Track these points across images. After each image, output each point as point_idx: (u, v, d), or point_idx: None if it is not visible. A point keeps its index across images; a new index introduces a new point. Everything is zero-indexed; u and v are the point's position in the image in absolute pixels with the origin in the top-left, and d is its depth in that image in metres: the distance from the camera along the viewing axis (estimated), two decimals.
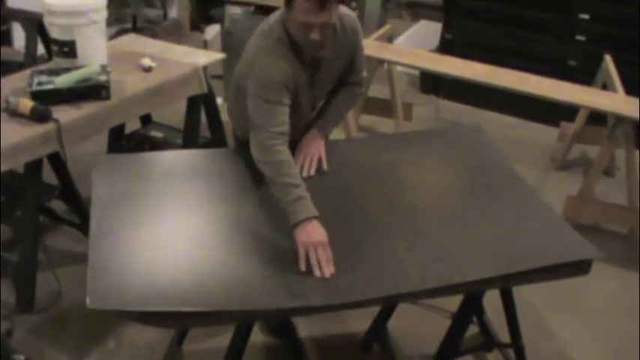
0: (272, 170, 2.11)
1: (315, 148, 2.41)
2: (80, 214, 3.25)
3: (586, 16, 4.63)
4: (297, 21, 2.12)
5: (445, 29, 5.18)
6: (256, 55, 2.22)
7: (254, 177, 2.29)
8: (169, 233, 2.03)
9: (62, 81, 2.81)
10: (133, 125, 3.75)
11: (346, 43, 2.35)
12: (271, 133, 2.14)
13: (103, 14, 3.08)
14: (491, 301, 2.49)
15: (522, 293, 2.95)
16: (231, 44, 4.77)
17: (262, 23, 2.29)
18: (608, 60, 4.03)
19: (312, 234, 1.97)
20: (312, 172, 2.35)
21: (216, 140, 3.78)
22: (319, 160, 2.39)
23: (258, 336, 2.17)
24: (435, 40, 5.26)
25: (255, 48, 2.24)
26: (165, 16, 6.51)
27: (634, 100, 3.54)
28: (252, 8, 5.88)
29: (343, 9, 2.30)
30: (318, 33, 2.12)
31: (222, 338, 2.20)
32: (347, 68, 2.46)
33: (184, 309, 1.73)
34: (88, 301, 1.70)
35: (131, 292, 1.77)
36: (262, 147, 2.15)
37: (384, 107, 4.59)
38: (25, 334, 2.82)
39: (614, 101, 3.56)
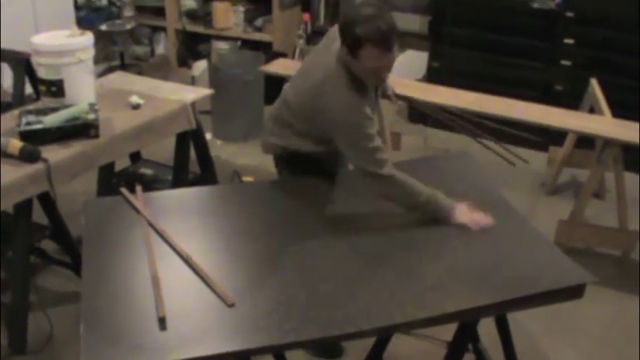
0: (402, 191, 2.34)
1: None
2: (71, 254, 3.23)
3: (570, 41, 4.67)
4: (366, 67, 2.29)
5: (431, 58, 5.22)
6: (339, 96, 2.33)
7: (248, 212, 2.30)
8: (161, 276, 2.01)
9: (51, 120, 2.81)
10: (122, 162, 3.75)
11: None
12: (383, 161, 2.34)
13: (91, 53, 3.09)
14: (486, 328, 2.48)
15: (517, 319, 2.94)
16: (218, 79, 4.80)
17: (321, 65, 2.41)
18: (594, 84, 4.06)
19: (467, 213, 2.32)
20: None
21: (206, 176, 3.78)
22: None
23: None
24: (422, 70, 5.29)
25: (334, 88, 2.35)
26: (152, 52, 6.55)
27: (621, 123, 3.57)
28: (238, 43, 5.94)
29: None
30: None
31: None
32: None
33: (174, 358, 1.71)
34: None
35: (123, 344, 1.74)
36: (381, 178, 2.33)
37: None
38: None
39: (602, 124, 3.58)
